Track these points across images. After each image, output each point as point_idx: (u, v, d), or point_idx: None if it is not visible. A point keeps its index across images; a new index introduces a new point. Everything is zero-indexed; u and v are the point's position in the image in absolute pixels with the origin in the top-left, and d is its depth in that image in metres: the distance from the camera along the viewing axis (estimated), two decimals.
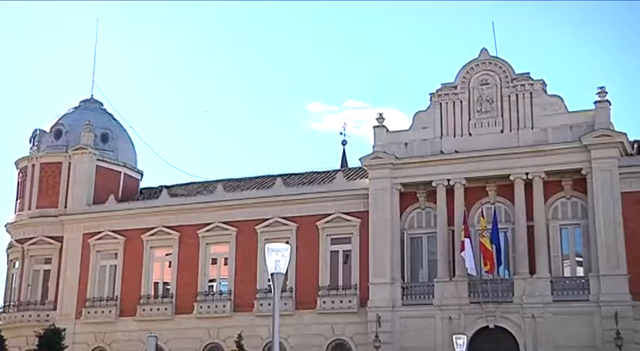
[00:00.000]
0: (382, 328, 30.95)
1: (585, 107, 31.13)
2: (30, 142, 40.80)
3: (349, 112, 79.42)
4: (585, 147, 30.09)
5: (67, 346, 22.43)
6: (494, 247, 29.90)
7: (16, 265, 38.63)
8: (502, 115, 31.99)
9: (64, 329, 23.43)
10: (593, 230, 29.55)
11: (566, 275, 30.59)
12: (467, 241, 30.08)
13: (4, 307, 38.19)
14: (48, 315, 36.33)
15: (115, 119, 41.81)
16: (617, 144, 30.04)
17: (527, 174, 30.82)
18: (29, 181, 39.15)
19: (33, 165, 39.35)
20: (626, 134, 30.41)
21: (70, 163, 38.85)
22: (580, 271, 30.56)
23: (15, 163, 40.35)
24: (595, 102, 30.77)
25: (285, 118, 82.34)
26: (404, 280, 32.00)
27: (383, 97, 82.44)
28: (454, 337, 26.59)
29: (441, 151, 32.36)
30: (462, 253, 30.17)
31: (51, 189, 38.79)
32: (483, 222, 30.24)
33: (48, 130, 40.50)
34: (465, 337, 27.21)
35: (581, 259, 30.72)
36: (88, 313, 36.59)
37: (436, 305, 30.79)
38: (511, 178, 31.03)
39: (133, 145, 41.95)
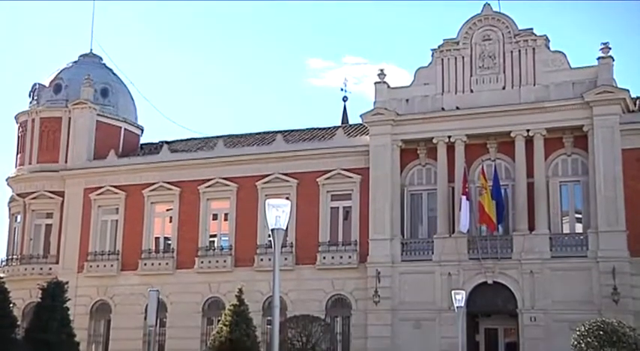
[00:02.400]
0: (382, 283, 31.24)
1: (588, 63, 30.93)
2: (29, 96, 40.60)
3: (348, 68, 78.93)
4: (587, 104, 29.94)
5: (69, 299, 22.68)
6: (494, 202, 29.94)
7: (18, 219, 38.83)
8: (504, 72, 31.78)
9: (67, 282, 23.66)
10: (593, 187, 29.59)
11: (565, 232, 30.73)
12: (463, 199, 30.16)
13: (6, 260, 38.51)
14: (50, 268, 36.64)
15: (114, 74, 41.53)
16: (619, 101, 29.88)
17: (528, 131, 30.74)
18: (29, 136, 39.09)
19: (33, 119, 39.23)
20: (628, 91, 30.20)
21: (70, 118, 38.74)
22: (579, 228, 30.70)
23: (15, 117, 40.22)
24: (598, 58, 30.48)
25: (285, 74, 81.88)
26: (404, 237, 32.18)
27: (382, 53, 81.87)
28: (453, 292, 26.89)
29: (442, 108, 32.23)
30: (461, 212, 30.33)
31: (51, 144, 38.75)
32: (483, 180, 30.21)
33: (47, 85, 40.27)
34: (464, 292, 27.50)
35: (580, 216, 30.83)
36: (90, 267, 36.91)
37: (435, 261, 31.02)
38: (512, 134, 30.96)
39: (133, 100, 41.78)
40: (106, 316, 36.57)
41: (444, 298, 30.01)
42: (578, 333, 24.83)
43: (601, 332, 24.25)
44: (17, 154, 39.85)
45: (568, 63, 31.15)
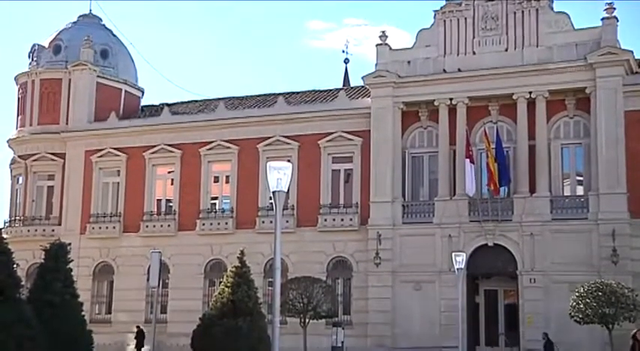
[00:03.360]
0: (382, 245, 31.41)
1: (592, 25, 30.64)
2: (29, 57, 40.33)
3: (349, 29, 78.29)
4: (590, 65, 29.73)
5: (72, 260, 22.78)
6: (496, 165, 29.91)
7: (20, 181, 38.91)
8: (507, 33, 31.51)
9: (70, 244, 23.75)
10: (595, 149, 29.56)
11: (566, 194, 30.78)
12: (467, 162, 30.12)
13: (9, 221, 38.66)
14: (53, 230, 36.78)
15: (114, 35, 41.18)
16: (622, 62, 29.67)
17: (530, 93, 30.60)
18: (29, 97, 38.94)
19: (33, 81, 39.03)
20: (632, 52, 29.97)
21: (70, 80, 38.54)
22: (580, 190, 30.75)
23: (14, 78, 40.01)
24: (602, 19, 30.21)
25: (285, 36, 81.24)
26: (405, 199, 32.24)
27: (384, 15, 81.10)
28: (453, 254, 27.01)
29: (444, 70, 32.03)
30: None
31: (52, 105, 38.61)
32: (487, 143, 30.09)
33: (47, 46, 39.96)
34: (464, 254, 27.64)
35: (581, 178, 30.86)
36: (93, 228, 37.10)
37: (436, 223, 31.13)
38: (514, 97, 30.83)
39: (133, 61, 41.49)
40: (109, 278, 36.88)
41: (445, 260, 30.19)
42: (577, 294, 25.03)
43: (600, 293, 24.45)
44: (18, 115, 39.76)
45: (571, 24, 30.88)
